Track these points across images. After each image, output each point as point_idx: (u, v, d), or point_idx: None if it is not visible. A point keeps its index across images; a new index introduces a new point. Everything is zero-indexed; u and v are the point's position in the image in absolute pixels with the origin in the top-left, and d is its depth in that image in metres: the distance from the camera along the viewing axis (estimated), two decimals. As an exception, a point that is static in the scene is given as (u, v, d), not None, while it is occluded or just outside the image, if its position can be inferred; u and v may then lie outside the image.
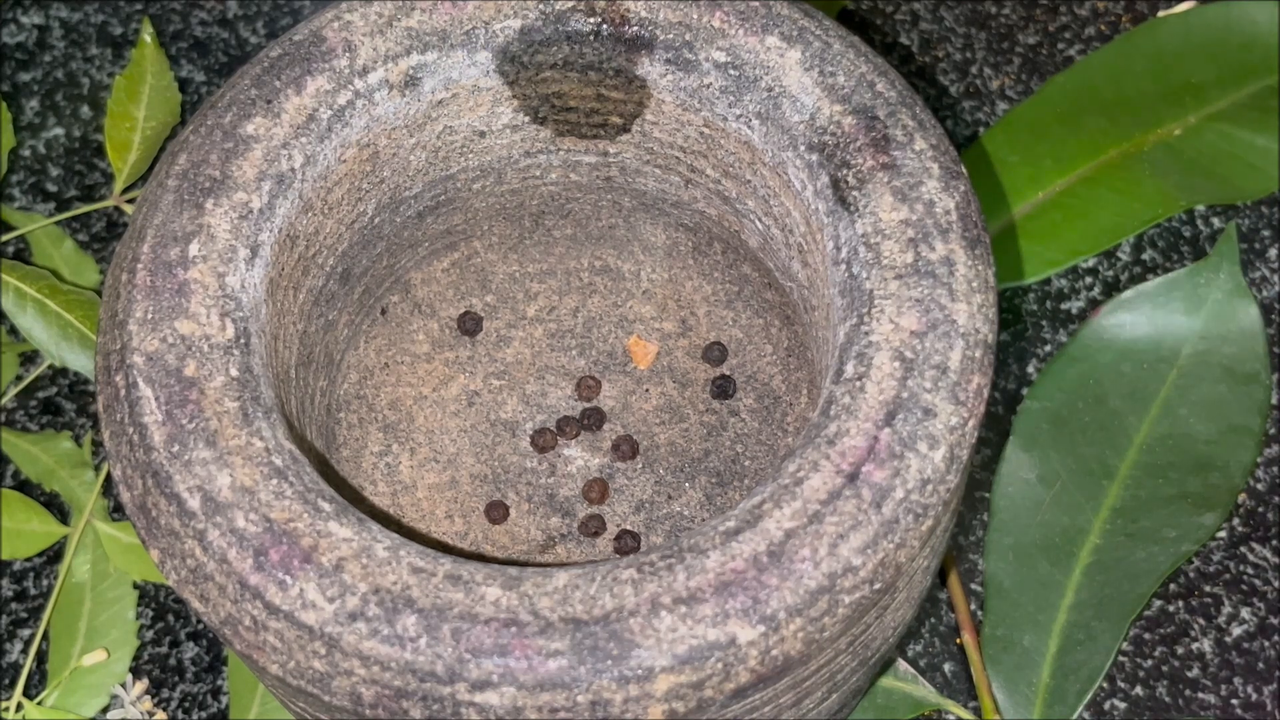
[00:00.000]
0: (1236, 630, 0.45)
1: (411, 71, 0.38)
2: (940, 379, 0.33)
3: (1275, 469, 0.47)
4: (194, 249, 0.35)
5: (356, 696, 0.31)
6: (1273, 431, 0.48)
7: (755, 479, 0.42)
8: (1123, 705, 0.44)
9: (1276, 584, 0.46)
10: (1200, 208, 0.52)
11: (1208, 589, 0.46)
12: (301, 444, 0.38)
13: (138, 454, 0.33)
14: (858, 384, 0.33)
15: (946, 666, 0.45)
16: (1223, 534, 0.46)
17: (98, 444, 0.49)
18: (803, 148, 0.36)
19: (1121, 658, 0.45)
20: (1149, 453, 0.46)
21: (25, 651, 0.46)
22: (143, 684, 0.45)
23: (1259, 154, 0.51)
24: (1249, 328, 0.47)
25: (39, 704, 0.44)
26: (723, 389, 0.43)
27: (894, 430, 0.32)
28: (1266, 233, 0.51)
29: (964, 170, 0.36)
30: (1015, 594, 0.44)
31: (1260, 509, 0.47)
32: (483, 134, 0.40)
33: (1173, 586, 0.46)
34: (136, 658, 0.46)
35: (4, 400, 0.49)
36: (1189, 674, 0.45)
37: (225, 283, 0.35)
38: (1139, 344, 0.47)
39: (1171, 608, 0.46)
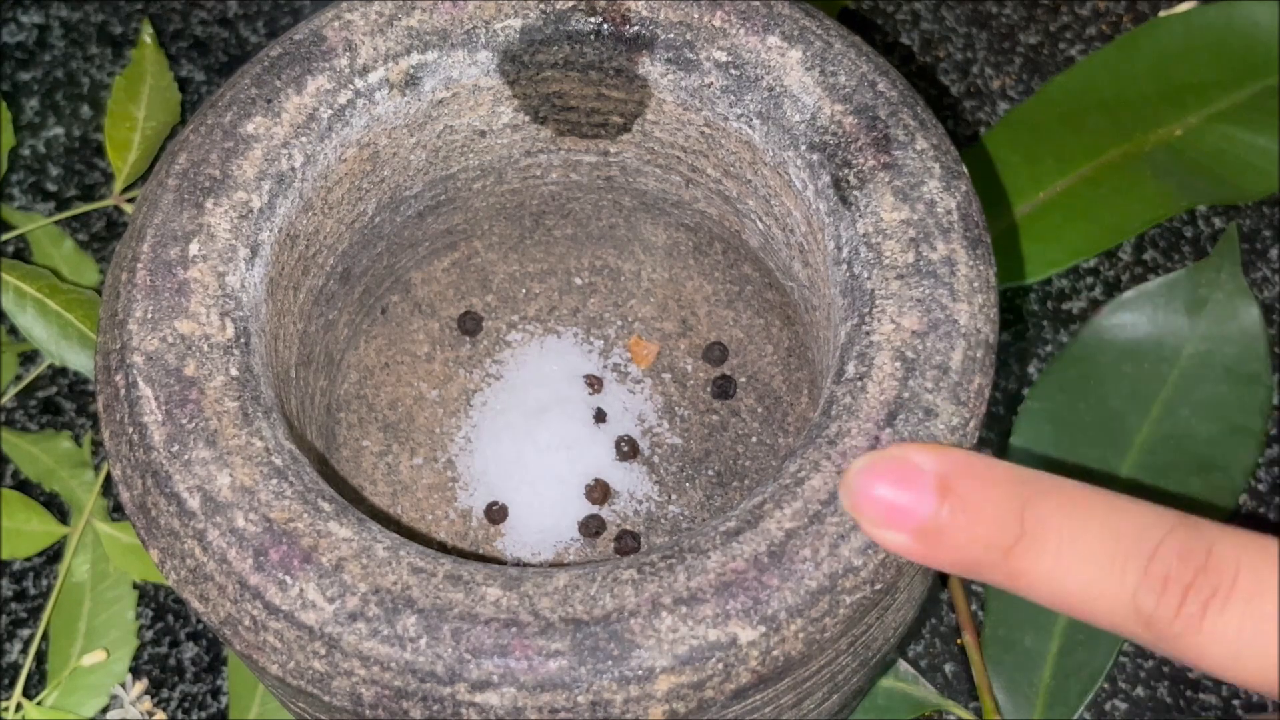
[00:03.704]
0: (1237, 631, 0.45)
1: (412, 71, 0.38)
2: (941, 379, 0.33)
3: (1276, 470, 0.47)
4: (194, 248, 0.35)
5: (356, 697, 0.31)
6: (1274, 432, 0.48)
7: (756, 479, 0.42)
8: (1124, 706, 0.44)
9: (1278, 585, 0.46)
10: (1201, 208, 0.52)
11: (1209, 590, 0.46)
12: (301, 444, 0.38)
13: (137, 454, 0.33)
14: (859, 384, 0.33)
15: (947, 667, 0.45)
16: (1224, 534, 0.46)
17: (97, 444, 0.49)
18: (804, 147, 0.36)
19: (1123, 658, 0.45)
20: (1150, 453, 0.46)
21: (25, 651, 0.46)
22: (142, 684, 0.45)
23: (1260, 154, 0.51)
24: (1250, 328, 0.47)
25: (38, 704, 0.44)
26: (723, 389, 0.43)
27: (895, 430, 0.32)
28: (1267, 233, 0.51)
29: (965, 170, 0.36)
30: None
31: (1261, 510, 0.47)
32: (483, 133, 0.40)
33: (1174, 587, 0.46)
34: (136, 658, 0.46)
35: (4, 400, 0.49)
36: (1190, 674, 0.45)
37: (225, 282, 0.35)
38: (1140, 344, 0.47)
39: (1172, 608, 0.45)
